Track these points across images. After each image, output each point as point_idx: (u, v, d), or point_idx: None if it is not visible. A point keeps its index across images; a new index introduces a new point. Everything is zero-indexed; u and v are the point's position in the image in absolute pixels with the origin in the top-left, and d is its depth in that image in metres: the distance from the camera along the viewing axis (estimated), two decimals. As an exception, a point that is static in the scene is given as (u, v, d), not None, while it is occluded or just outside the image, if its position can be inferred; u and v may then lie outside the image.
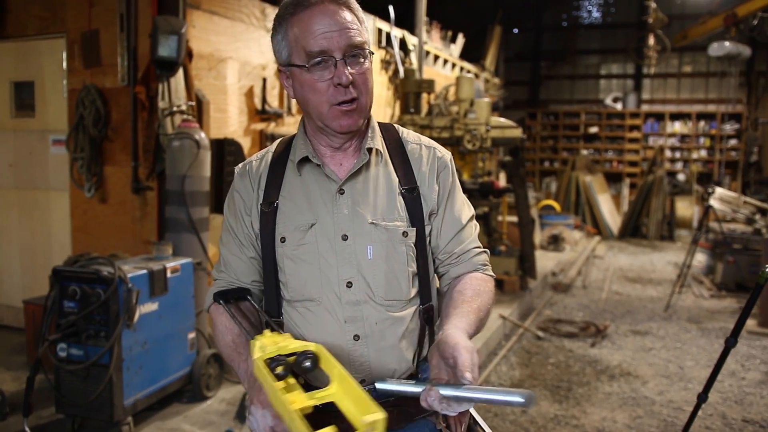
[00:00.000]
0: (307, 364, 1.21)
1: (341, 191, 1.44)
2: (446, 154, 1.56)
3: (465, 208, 1.55)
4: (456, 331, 1.25)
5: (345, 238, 1.42)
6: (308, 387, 1.34)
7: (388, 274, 1.42)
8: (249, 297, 1.50)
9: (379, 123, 1.55)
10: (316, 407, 1.19)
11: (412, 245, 1.45)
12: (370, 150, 1.46)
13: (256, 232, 1.49)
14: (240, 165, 1.57)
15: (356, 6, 1.41)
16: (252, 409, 1.25)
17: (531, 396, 1.07)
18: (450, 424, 1.47)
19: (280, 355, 1.23)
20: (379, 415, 1.05)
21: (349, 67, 1.36)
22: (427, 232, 1.49)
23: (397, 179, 1.48)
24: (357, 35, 1.36)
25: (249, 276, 1.52)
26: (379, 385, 1.26)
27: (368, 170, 1.47)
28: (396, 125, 1.59)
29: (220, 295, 1.47)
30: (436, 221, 1.51)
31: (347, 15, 1.37)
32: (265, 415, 1.21)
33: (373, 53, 1.44)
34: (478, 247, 1.55)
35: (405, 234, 1.44)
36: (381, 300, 1.42)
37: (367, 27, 1.43)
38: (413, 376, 1.49)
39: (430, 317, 1.50)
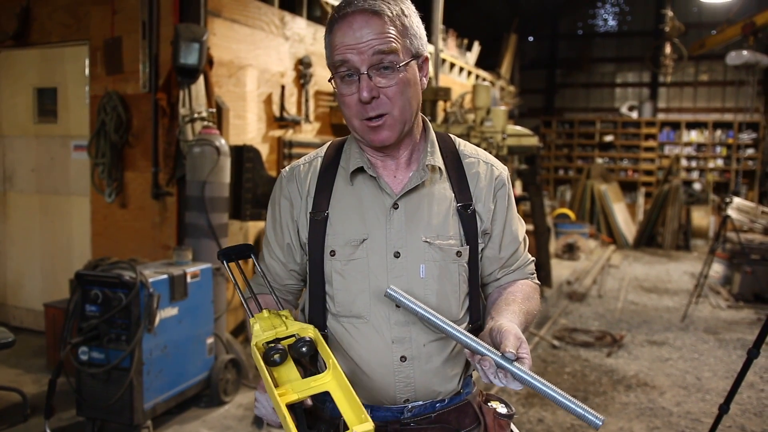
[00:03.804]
0: (304, 349, 1.25)
1: (395, 206, 1.39)
2: (504, 171, 1.50)
3: (520, 226, 1.54)
4: (509, 323, 1.26)
5: (397, 255, 1.37)
6: (308, 362, 1.38)
7: (440, 294, 1.38)
8: (252, 254, 1.44)
9: (435, 132, 1.49)
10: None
11: (465, 264, 1.42)
12: (427, 166, 1.41)
13: (303, 241, 1.45)
14: (287, 169, 1.52)
15: (396, 11, 1.32)
16: (256, 394, 1.31)
17: (603, 422, 1.10)
18: None
19: (278, 338, 1.26)
20: (369, 426, 1.12)
21: (381, 79, 1.30)
22: (479, 249, 1.45)
23: (452, 195, 1.43)
24: (385, 44, 1.28)
25: (285, 280, 1.51)
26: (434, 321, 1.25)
27: (424, 185, 1.41)
28: (452, 135, 1.53)
29: (224, 254, 1.41)
30: (494, 240, 1.47)
31: (377, 25, 1.28)
32: (268, 398, 1.25)
33: (425, 59, 1.36)
34: (530, 260, 1.56)
35: (459, 254, 1.40)
36: None
37: (415, 33, 1.35)
38: (457, 395, 1.47)
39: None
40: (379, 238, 1.38)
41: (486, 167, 1.48)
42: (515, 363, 1.17)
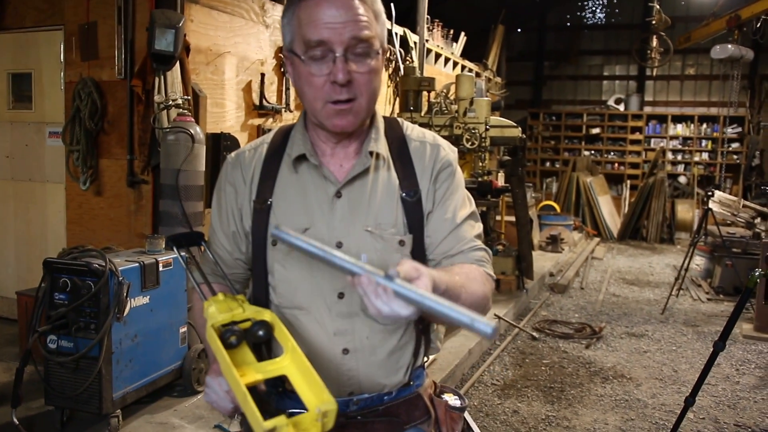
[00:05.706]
0: (261, 333, 1.22)
1: (338, 195, 1.35)
2: (450, 152, 1.45)
3: (464, 207, 1.43)
4: (415, 263, 1.10)
5: (339, 245, 1.33)
6: (264, 350, 1.35)
7: None
8: (203, 242, 1.44)
9: (384, 118, 1.46)
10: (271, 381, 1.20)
11: (409, 255, 1.36)
12: (371, 153, 1.38)
13: (246, 230, 1.42)
14: (232, 154, 1.48)
15: None
16: (207, 380, 1.25)
17: (496, 329, 0.96)
18: (442, 430, 1.43)
19: (234, 321, 1.23)
20: (331, 405, 1.07)
21: (353, 64, 1.27)
22: (424, 237, 1.39)
23: (397, 182, 1.38)
24: (365, 29, 1.26)
25: (231, 269, 1.48)
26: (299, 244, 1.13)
27: (368, 173, 1.37)
28: (400, 120, 1.49)
29: (173, 240, 1.41)
30: (431, 222, 1.39)
31: (359, 7, 1.26)
32: (220, 382, 1.21)
33: (386, 51, 1.33)
34: (477, 245, 1.41)
35: (401, 243, 1.35)
36: None
37: (384, 21, 1.33)
38: (406, 387, 1.43)
39: (426, 327, 1.43)
40: (322, 228, 1.34)
41: (432, 149, 1.44)
42: (398, 281, 1.02)
